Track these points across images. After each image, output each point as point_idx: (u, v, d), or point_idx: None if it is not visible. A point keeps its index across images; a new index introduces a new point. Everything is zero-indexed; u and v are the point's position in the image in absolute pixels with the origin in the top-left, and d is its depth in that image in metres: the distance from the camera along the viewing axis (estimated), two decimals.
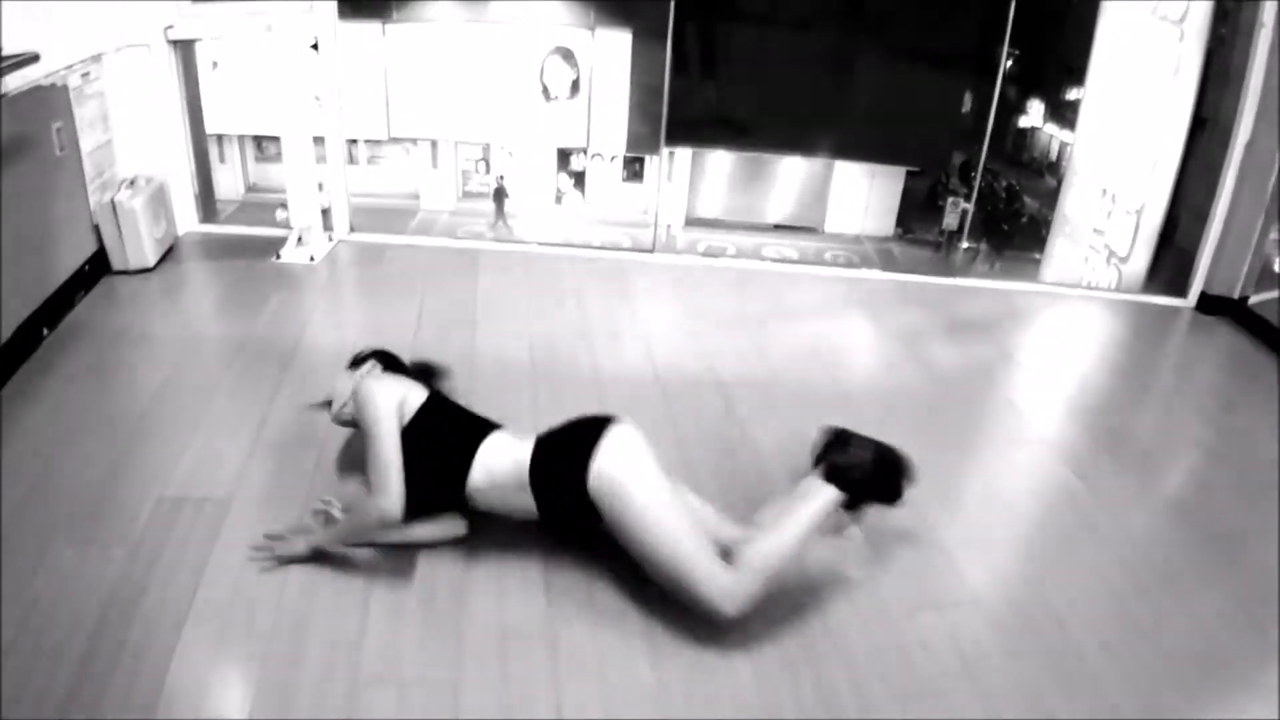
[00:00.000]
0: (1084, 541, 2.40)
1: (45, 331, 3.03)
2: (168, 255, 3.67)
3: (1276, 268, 3.81)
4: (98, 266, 3.42)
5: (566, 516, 2.06)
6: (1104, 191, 4.14)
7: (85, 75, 3.33)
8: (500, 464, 2.07)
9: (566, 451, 2.04)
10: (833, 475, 2.04)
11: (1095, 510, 2.51)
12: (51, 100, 3.14)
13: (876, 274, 4.13)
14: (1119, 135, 4.07)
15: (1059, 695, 1.89)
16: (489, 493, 2.08)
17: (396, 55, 4.61)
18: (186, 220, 3.89)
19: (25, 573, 2.01)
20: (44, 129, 3.09)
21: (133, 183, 3.54)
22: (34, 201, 3.03)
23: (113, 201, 3.39)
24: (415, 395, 2.18)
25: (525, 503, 2.06)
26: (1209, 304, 3.76)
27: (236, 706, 1.77)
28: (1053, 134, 4.81)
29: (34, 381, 2.76)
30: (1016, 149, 5.20)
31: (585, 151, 5.06)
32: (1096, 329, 3.75)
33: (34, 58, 2.79)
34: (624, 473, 1.98)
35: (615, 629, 2.00)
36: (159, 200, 3.59)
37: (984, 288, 4.01)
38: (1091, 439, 2.86)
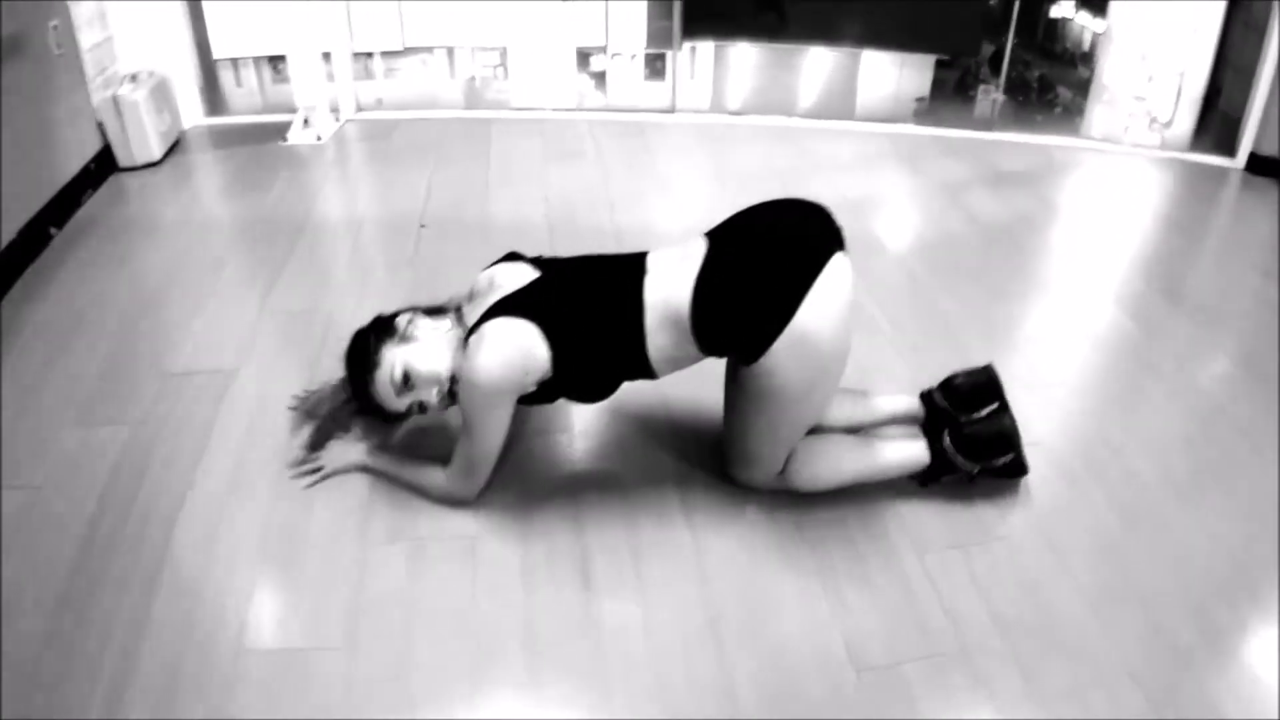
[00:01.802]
0: (1150, 388, 2.31)
1: (53, 231, 2.96)
2: (174, 149, 3.59)
3: None
4: (104, 164, 3.33)
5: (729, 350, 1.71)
6: (1143, 56, 3.85)
7: None
8: (666, 325, 1.65)
9: (763, 279, 1.60)
10: (957, 446, 1.83)
11: (1158, 358, 2.41)
12: None
13: (913, 128, 3.92)
14: None
15: (1129, 537, 1.80)
16: (670, 360, 1.71)
17: None
18: (192, 114, 3.78)
19: (28, 460, 1.98)
20: (40, 27, 3.00)
21: (134, 78, 3.41)
22: (33, 101, 2.96)
23: (114, 97, 3.27)
24: (534, 334, 1.66)
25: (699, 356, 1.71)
26: (1259, 165, 3.52)
27: (243, 570, 1.74)
28: (1084, 25, 4.49)
29: (42, 278, 2.73)
30: (1049, 39, 4.88)
31: (605, 50, 4.79)
32: (1142, 185, 3.56)
33: None
34: (823, 346, 1.60)
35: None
36: (162, 94, 3.48)
37: (1024, 142, 3.84)
38: (1146, 287, 2.71)
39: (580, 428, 2.09)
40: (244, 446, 2.01)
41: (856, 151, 3.70)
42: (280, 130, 3.69)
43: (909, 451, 1.87)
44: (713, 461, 1.95)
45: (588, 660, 1.55)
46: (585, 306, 1.70)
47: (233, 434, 2.04)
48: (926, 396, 2.00)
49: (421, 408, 1.77)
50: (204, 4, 3.71)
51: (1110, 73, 4.02)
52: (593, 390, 1.80)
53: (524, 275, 1.76)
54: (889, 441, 1.90)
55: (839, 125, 3.98)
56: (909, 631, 1.61)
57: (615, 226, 2.99)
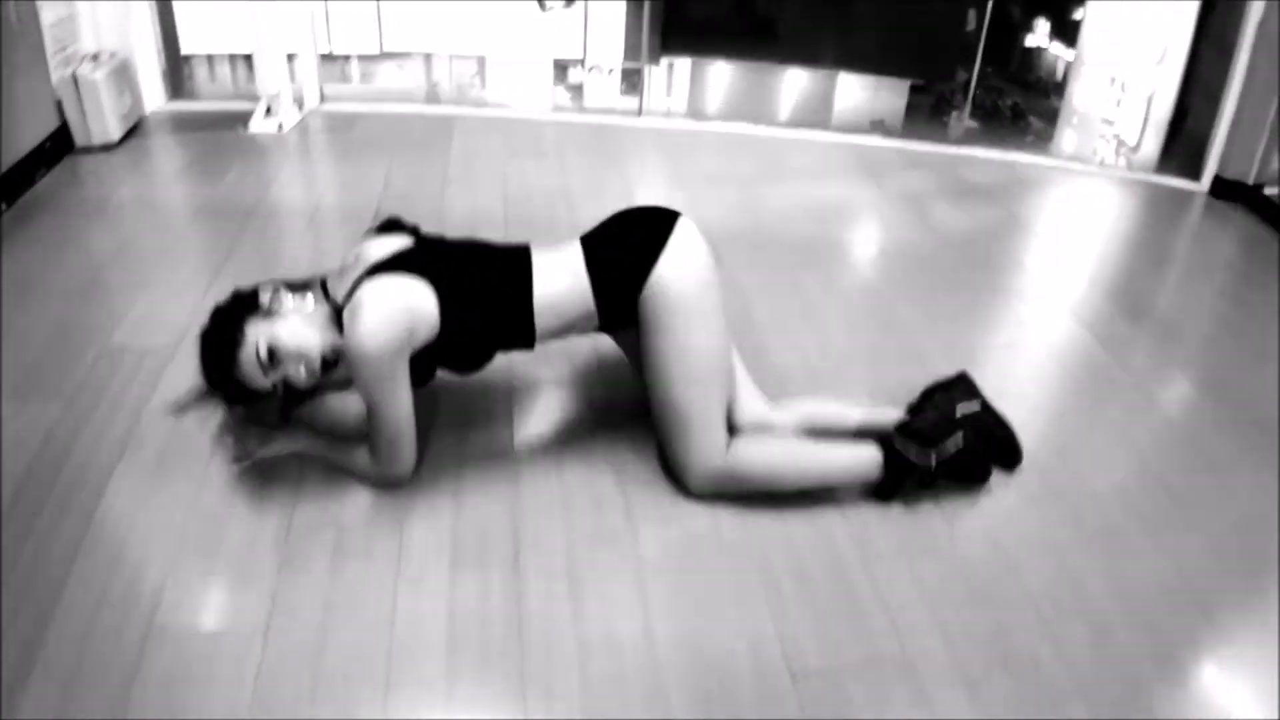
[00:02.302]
0: (1109, 404, 2.26)
1: (3, 206, 2.83)
2: (133, 131, 3.49)
3: None
4: (60, 144, 3.24)
5: (625, 319, 1.77)
6: (1112, 80, 3.85)
7: None
8: (557, 285, 1.73)
9: (626, 246, 1.76)
10: (902, 438, 1.79)
11: (1121, 375, 2.37)
12: None
13: (878, 140, 3.88)
14: (1128, 18, 3.76)
15: (1092, 569, 1.73)
16: (554, 321, 1.76)
17: None
18: (154, 98, 3.67)
19: None
20: None
21: (96, 57, 3.32)
22: None
23: (74, 75, 3.18)
24: (420, 287, 1.65)
25: (587, 312, 1.76)
26: (1223, 188, 3.51)
27: (163, 549, 1.66)
28: (1058, 54, 4.52)
29: None
30: (1023, 69, 4.91)
31: (583, 64, 4.76)
32: (1107, 203, 3.56)
33: None
34: (686, 287, 1.71)
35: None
36: (123, 75, 3.39)
37: (990, 158, 3.81)
38: (1110, 305, 2.67)
39: (522, 420, 2.01)
40: (176, 425, 1.93)
41: (823, 160, 3.66)
42: (243, 118, 3.61)
43: (859, 452, 1.80)
44: (655, 457, 1.88)
45: (510, 657, 1.47)
46: (469, 264, 1.74)
47: (162, 420, 1.96)
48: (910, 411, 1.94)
49: (288, 386, 1.71)
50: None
51: (1080, 95, 4.03)
52: (472, 357, 1.80)
53: (397, 245, 1.75)
54: (838, 442, 1.84)
55: (808, 135, 3.94)
56: (850, 637, 1.54)
57: (572, 221, 2.93)
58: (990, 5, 4.36)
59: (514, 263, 1.75)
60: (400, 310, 1.61)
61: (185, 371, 2.05)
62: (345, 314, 1.64)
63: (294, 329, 1.67)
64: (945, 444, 1.79)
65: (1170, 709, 1.45)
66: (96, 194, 3.05)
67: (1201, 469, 2.00)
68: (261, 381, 1.69)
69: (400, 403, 1.67)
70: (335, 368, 1.72)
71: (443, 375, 1.94)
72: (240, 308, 1.71)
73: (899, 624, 1.56)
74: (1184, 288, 2.96)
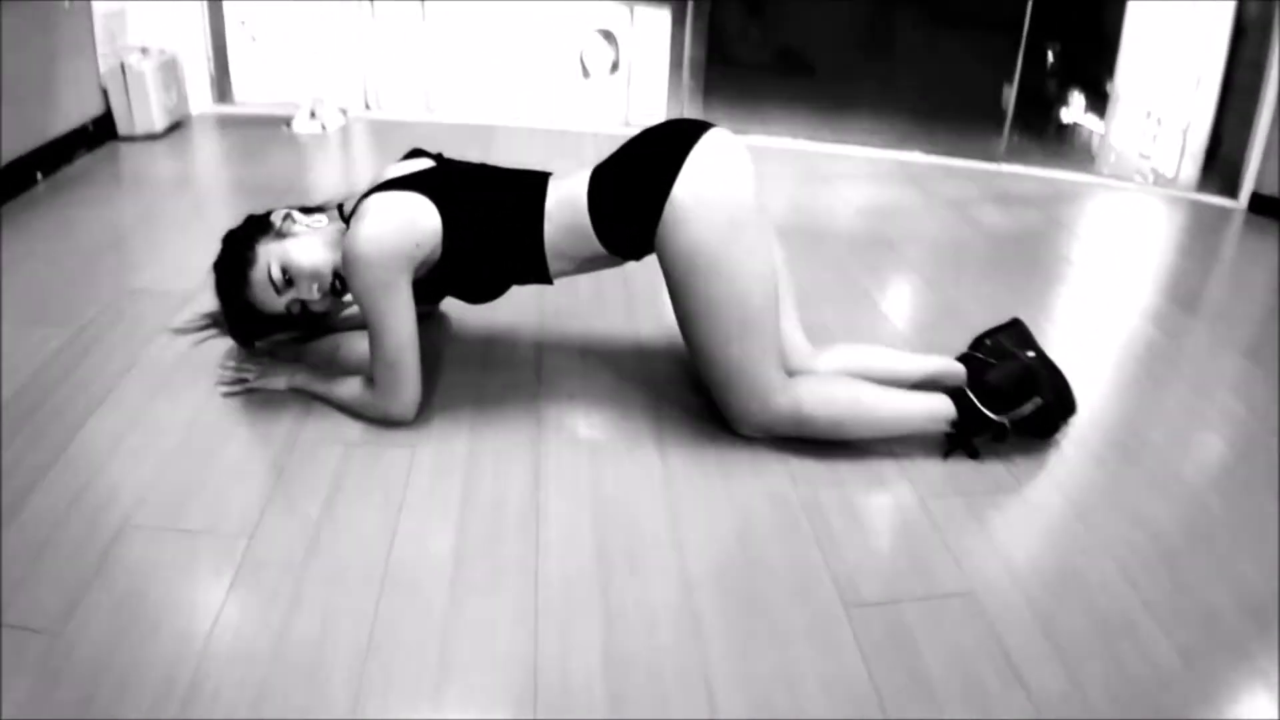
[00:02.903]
0: (1172, 378, 2.08)
1: (39, 175, 2.80)
2: (176, 127, 3.44)
3: None
4: (103, 130, 3.23)
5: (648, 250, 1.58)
6: (1149, 114, 3.73)
7: None
8: (562, 220, 1.56)
9: (635, 170, 1.54)
10: (980, 397, 1.59)
11: (1178, 353, 2.20)
12: None
13: (919, 156, 3.76)
14: (1161, 54, 3.69)
15: (1167, 518, 1.53)
16: (566, 260, 1.60)
17: (436, 35, 4.36)
18: (201, 100, 3.65)
19: None
20: None
21: (145, 51, 3.30)
22: (35, 46, 2.85)
23: (122, 64, 3.16)
24: (423, 202, 1.54)
25: (596, 251, 1.58)
26: (1261, 204, 3.36)
27: (149, 461, 1.52)
28: (1092, 129, 4.43)
29: (22, 208, 2.60)
30: (1059, 142, 4.82)
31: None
32: (1149, 214, 3.40)
33: None
34: (713, 214, 1.47)
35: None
36: (171, 71, 3.39)
37: (1031, 174, 3.66)
38: (1163, 298, 2.49)
39: (550, 363, 1.86)
40: (180, 358, 1.81)
41: (865, 169, 3.55)
42: (288, 120, 3.58)
43: (931, 403, 1.61)
44: (693, 390, 1.72)
45: (523, 579, 1.29)
46: (482, 188, 1.61)
47: (174, 347, 1.84)
48: (965, 358, 1.75)
49: (303, 308, 1.61)
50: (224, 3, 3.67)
51: (1116, 132, 3.90)
52: (483, 284, 1.66)
53: (417, 166, 1.67)
54: (914, 392, 1.65)
55: (845, 150, 3.84)
56: (909, 573, 1.35)
57: None
58: (1016, 81, 4.29)
59: (527, 192, 1.59)
60: (402, 220, 1.51)
61: (202, 306, 1.94)
62: (352, 221, 1.54)
63: (306, 247, 1.58)
64: (1024, 406, 1.60)
65: (1255, 646, 1.23)
66: (133, 171, 3.02)
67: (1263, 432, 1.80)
68: (275, 303, 1.59)
69: (400, 321, 1.52)
70: (347, 288, 1.60)
71: (466, 309, 1.81)
72: (252, 230, 1.62)
73: (964, 563, 1.37)
74: (1232, 284, 2.79)
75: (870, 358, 1.74)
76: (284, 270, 1.56)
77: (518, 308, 1.99)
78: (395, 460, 1.51)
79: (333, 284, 1.59)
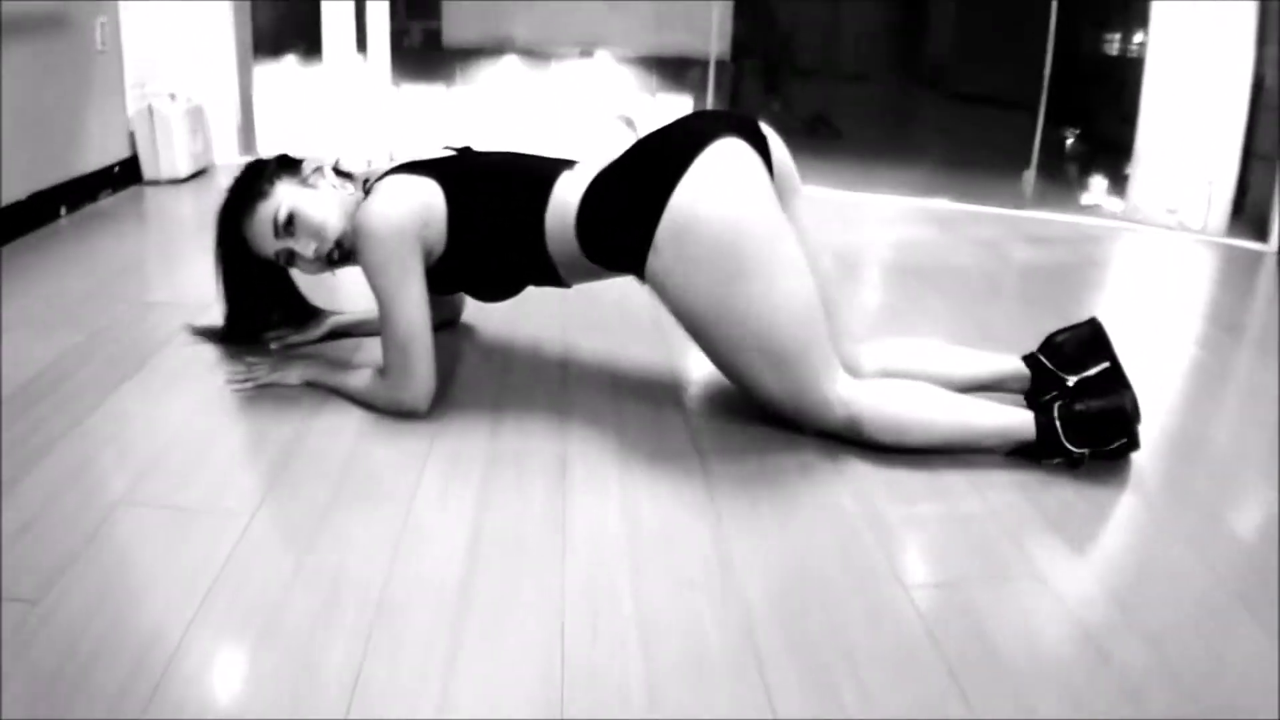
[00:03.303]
0: (1230, 397, 1.96)
1: (63, 210, 2.78)
2: (201, 174, 3.42)
3: None
4: (128, 173, 3.22)
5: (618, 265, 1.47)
6: (1173, 170, 3.67)
7: None
8: (556, 224, 1.46)
9: (629, 178, 1.42)
10: (1066, 428, 1.39)
11: (1231, 373, 2.08)
12: None
13: (945, 203, 3.71)
14: (1182, 111, 3.64)
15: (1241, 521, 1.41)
16: (569, 263, 1.50)
17: (459, 119, 4.41)
18: (226, 150, 3.65)
19: None
20: (87, 18, 2.96)
21: (173, 96, 3.32)
22: (67, 84, 2.87)
23: (150, 107, 3.17)
24: (432, 187, 1.49)
25: (585, 265, 1.51)
26: None
27: (153, 440, 1.44)
28: (1112, 211, 4.43)
29: (41, 243, 2.55)
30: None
31: None
32: (1180, 253, 3.29)
33: None
34: (717, 222, 1.33)
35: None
36: (198, 118, 3.41)
37: (1058, 219, 3.59)
38: (1204, 323, 2.39)
39: (575, 366, 1.77)
40: (194, 356, 1.74)
41: (891, 212, 3.50)
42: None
43: (1011, 417, 1.44)
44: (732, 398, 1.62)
45: (548, 559, 1.17)
46: (495, 179, 1.53)
47: (188, 349, 1.77)
48: (1030, 360, 1.61)
49: (290, 258, 1.54)
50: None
51: (1140, 192, 3.80)
52: (492, 280, 1.59)
53: (439, 153, 1.61)
54: (988, 403, 1.49)
55: (869, 196, 3.80)
56: (968, 556, 1.22)
57: None
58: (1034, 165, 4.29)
59: (535, 189, 1.48)
60: (412, 200, 1.47)
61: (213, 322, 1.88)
62: (367, 198, 1.50)
63: (320, 203, 1.53)
64: (1112, 447, 1.41)
65: None
66: (157, 210, 3.00)
67: None
68: (267, 245, 1.53)
69: (412, 300, 1.45)
70: (346, 260, 1.55)
71: (489, 319, 1.73)
72: (279, 167, 1.57)
73: (1027, 546, 1.24)
74: (1271, 314, 2.68)
75: (929, 358, 1.60)
76: (291, 217, 1.49)
77: (541, 314, 1.92)
78: (414, 446, 1.41)
79: (330, 252, 1.53)
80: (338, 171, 1.61)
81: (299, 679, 0.92)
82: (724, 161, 1.36)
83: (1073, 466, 1.42)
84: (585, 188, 1.45)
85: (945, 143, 5.63)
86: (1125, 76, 4.50)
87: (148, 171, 3.26)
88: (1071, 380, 1.53)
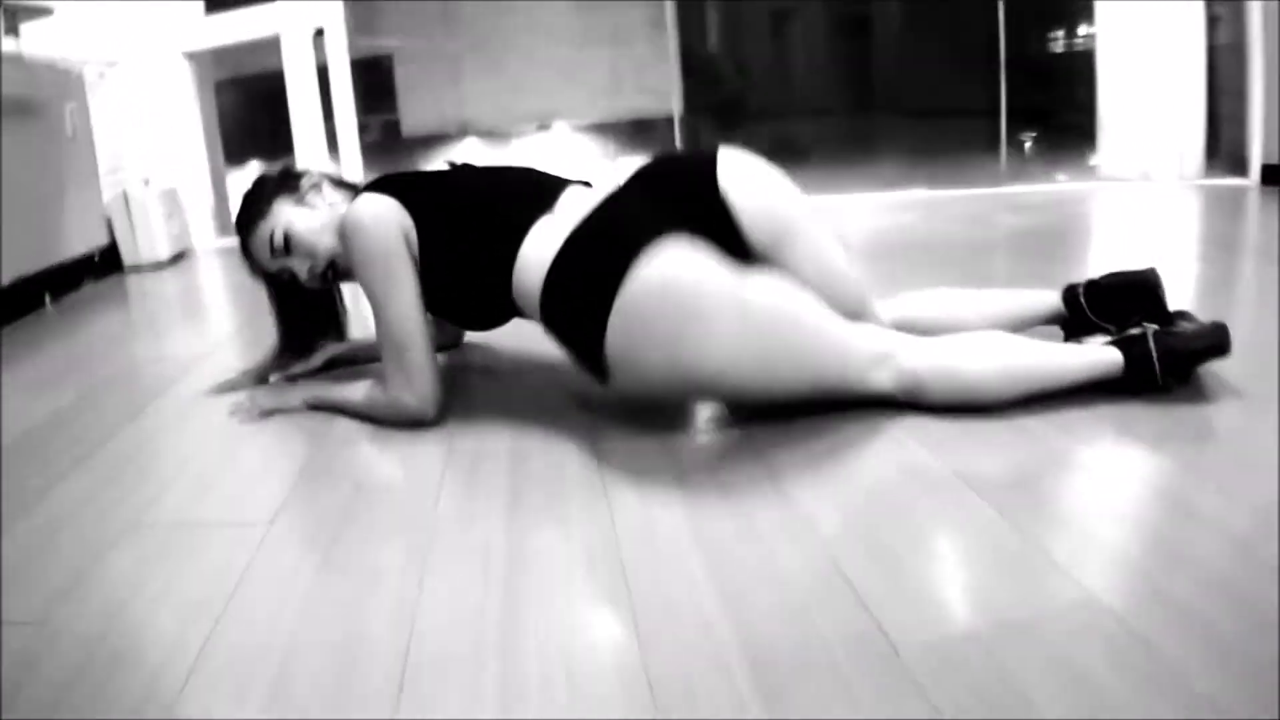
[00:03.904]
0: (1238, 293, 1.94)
1: (48, 297, 2.74)
2: (181, 258, 3.37)
3: None
4: (109, 262, 3.18)
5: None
6: (1141, 137, 3.69)
7: (102, 75, 3.18)
8: (522, 282, 1.34)
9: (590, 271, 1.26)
10: (1161, 353, 1.27)
11: (1240, 276, 2.07)
12: (66, 82, 3.02)
13: (921, 191, 3.70)
14: (1141, 64, 3.66)
15: None
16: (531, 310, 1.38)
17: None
18: (202, 235, 3.61)
19: None
20: (56, 105, 2.95)
21: (147, 182, 3.30)
22: (41, 169, 2.84)
23: (125, 193, 3.15)
24: (395, 205, 1.42)
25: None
26: (1274, 175, 3.26)
27: (176, 462, 1.42)
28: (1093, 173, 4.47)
29: (29, 329, 2.49)
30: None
31: None
32: (1165, 203, 3.27)
33: (48, 10, 2.65)
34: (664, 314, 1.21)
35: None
36: (172, 201, 3.38)
37: (1035, 189, 3.63)
38: (1206, 244, 2.34)
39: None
40: (197, 395, 1.67)
41: (871, 205, 3.49)
42: None
43: (1097, 355, 1.31)
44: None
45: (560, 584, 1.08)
46: (466, 218, 1.40)
47: (185, 397, 1.70)
48: (1069, 297, 1.51)
49: (292, 277, 1.52)
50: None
51: (1112, 159, 3.80)
52: (466, 309, 1.48)
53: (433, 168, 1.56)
54: (1060, 343, 1.39)
55: (847, 197, 3.80)
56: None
57: None
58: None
59: (506, 238, 1.35)
60: (395, 209, 1.40)
61: (220, 368, 1.81)
62: None
63: (314, 226, 1.49)
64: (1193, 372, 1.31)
65: None
66: (140, 291, 2.93)
67: None
68: (268, 262, 1.52)
69: (405, 295, 1.37)
70: (339, 278, 1.53)
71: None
72: (280, 183, 1.54)
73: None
74: (1266, 231, 2.67)
75: (975, 309, 1.49)
76: (286, 238, 1.47)
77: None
78: (430, 458, 1.32)
79: (325, 271, 1.49)
80: (336, 184, 1.57)
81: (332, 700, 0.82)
82: (664, 272, 1.21)
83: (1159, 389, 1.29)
84: (549, 265, 1.29)
85: (909, 148, 5.70)
86: (1077, 68, 4.57)
87: (128, 257, 3.21)
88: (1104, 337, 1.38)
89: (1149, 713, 0.68)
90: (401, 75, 7.16)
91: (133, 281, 3.08)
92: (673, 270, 1.20)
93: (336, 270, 1.49)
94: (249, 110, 5.12)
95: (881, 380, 1.29)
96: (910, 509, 1.05)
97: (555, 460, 1.25)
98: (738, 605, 0.86)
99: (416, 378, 1.38)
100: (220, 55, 3.77)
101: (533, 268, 1.31)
